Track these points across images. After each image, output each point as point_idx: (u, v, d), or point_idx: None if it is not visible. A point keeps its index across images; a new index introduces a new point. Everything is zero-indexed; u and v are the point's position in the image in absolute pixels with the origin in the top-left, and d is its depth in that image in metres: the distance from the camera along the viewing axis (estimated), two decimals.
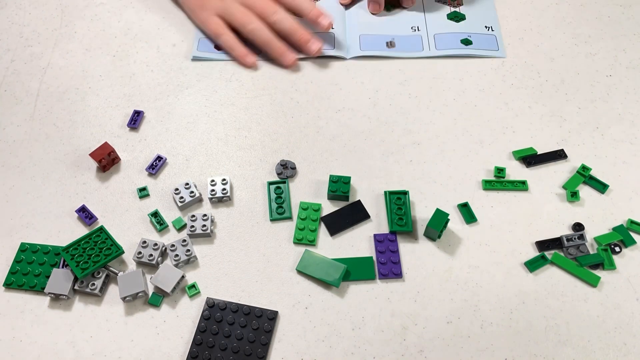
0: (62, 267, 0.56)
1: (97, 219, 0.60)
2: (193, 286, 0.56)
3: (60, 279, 0.55)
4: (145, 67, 0.71)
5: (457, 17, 0.74)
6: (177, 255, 0.56)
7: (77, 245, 0.56)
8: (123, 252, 0.56)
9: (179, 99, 0.69)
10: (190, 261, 0.57)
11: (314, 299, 0.56)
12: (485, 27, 0.73)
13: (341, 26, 0.73)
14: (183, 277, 0.55)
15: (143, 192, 0.61)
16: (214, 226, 0.59)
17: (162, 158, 0.63)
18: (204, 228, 0.58)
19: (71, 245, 0.56)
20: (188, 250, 0.57)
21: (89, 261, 0.55)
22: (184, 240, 0.57)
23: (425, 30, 0.72)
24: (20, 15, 0.77)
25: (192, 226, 0.58)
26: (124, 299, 0.54)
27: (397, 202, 0.59)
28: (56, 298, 0.55)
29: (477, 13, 0.75)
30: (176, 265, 0.56)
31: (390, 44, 0.71)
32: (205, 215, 0.58)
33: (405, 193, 0.60)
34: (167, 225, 0.59)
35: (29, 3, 0.78)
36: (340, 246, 0.59)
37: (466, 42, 0.71)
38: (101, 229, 0.57)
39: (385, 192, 0.60)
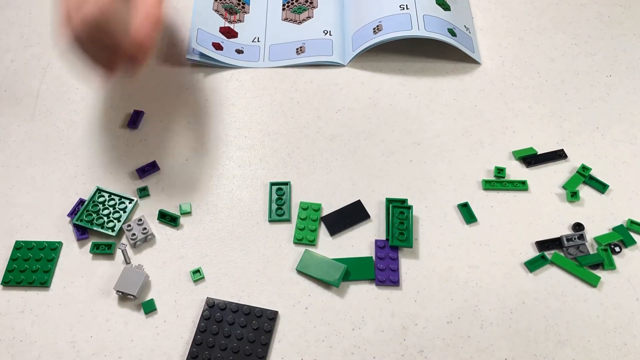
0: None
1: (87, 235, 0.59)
2: (198, 271, 0.56)
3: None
4: (145, 67, 0.71)
5: (444, 5, 0.72)
6: (134, 234, 0.57)
7: (87, 213, 0.58)
8: (137, 200, 0.59)
9: (179, 99, 0.69)
10: (147, 239, 0.58)
11: (314, 299, 0.56)
12: (465, 26, 0.72)
13: (339, 32, 0.73)
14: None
15: (144, 192, 0.61)
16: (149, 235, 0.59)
17: (155, 165, 0.63)
18: (145, 231, 0.58)
19: (80, 215, 0.58)
20: (145, 229, 0.58)
21: (113, 219, 0.58)
22: (140, 220, 0.58)
23: (414, 10, 0.70)
24: (21, 16, 0.77)
25: (134, 234, 0.58)
26: (116, 291, 0.54)
27: (400, 216, 0.58)
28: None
29: (457, 10, 0.74)
30: (134, 244, 0.57)
31: (376, 29, 0.69)
32: (140, 220, 0.58)
33: (409, 208, 0.59)
34: (179, 217, 0.60)
35: (29, 3, 0.78)
36: (340, 246, 0.59)
37: (452, 32, 0.70)
38: (98, 189, 0.59)
39: (387, 201, 0.60)
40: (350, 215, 0.60)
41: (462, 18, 0.73)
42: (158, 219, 0.60)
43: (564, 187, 0.61)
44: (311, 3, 0.76)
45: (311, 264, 0.57)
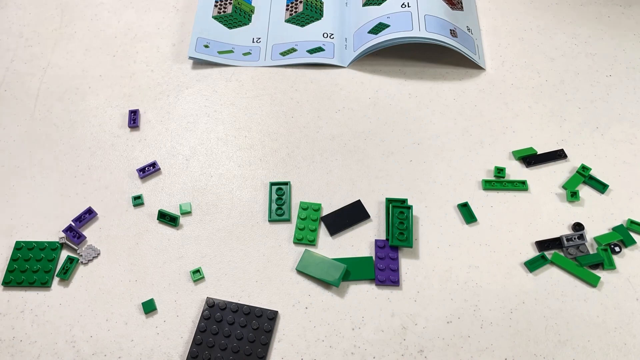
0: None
1: (85, 237, 0.59)
2: (198, 271, 0.56)
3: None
4: (145, 67, 0.71)
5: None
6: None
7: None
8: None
9: (179, 98, 0.69)
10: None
11: (314, 298, 0.56)
12: (467, 28, 0.72)
13: (340, 35, 0.73)
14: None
15: (137, 201, 0.61)
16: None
17: (156, 165, 0.63)
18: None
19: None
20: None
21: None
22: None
23: (415, 8, 0.68)
24: (20, 15, 0.77)
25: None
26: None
27: (400, 216, 0.58)
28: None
29: (463, 11, 0.73)
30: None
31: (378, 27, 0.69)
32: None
33: (408, 208, 0.59)
34: (179, 217, 0.60)
35: (29, 3, 0.78)
36: (340, 246, 0.59)
37: (453, 33, 0.69)
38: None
39: (386, 201, 0.60)
40: (351, 215, 0.60)
41: (466, 19, 0.73)
42: (158, 219, 0.60)
43: (564, 187, 0.61)
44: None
45: (311, 264, 0.57)
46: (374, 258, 0.57)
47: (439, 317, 0.54)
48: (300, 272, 0.57)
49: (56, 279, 0.57)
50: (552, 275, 0.57)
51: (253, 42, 0.73)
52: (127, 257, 0.58)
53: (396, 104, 0.68)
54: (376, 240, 0.58)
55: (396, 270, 0.56)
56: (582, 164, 0.62)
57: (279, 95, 0.69)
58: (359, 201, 0.61)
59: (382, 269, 0.56)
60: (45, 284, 0.56)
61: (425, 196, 0.61)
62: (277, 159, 0.64)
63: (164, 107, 0.68)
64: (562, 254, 0.58)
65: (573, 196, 0.60)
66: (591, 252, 0.57)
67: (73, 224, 0.59)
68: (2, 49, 0.73)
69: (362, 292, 0.56)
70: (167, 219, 0.60)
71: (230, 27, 0.74)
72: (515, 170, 0.63)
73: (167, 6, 0.77)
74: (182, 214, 0.60)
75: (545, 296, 0.55)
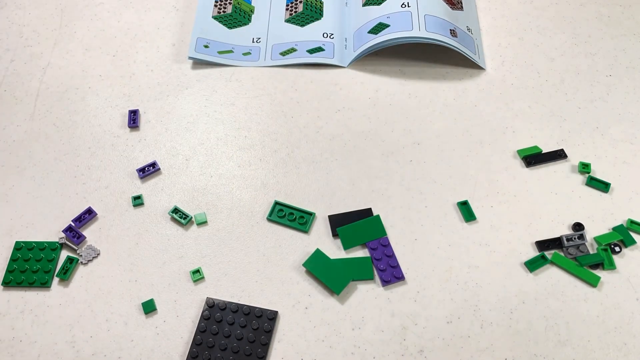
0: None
1: (85, 237, 0.59)
2: (197, 271, 0.56)
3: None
4: (145, 67, 0.71)
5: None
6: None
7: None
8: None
9: (179, 98, 0.69)
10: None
11: (314, 299, 0.56)
12: (467, 28, 0.72)
13: (340, 35, 0.73)
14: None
15: (137, 201, 0.61)
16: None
17: (156, 165, 0.63)
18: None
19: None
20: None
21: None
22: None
23: (415, 8, 0.68)
24: (20, 15, 0.77)
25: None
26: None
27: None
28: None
29: (463, 11, 0.73)
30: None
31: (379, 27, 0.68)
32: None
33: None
34: (191, 217, 0.60)
35: (29, 3, 0.78)
36: (339, 246, 0.58)
37: (453, 33, 0.69)
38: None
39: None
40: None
41: (466, 19, 0.73)
42: (170, 213, 0.59)
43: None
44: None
45: (319, 265, 0.56)
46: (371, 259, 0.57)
47: (439, 317, 0.54)
48: (306, 269, 0.57)
49: (56, 279, 0.57)
50: (552, 275, 0.57)
51: (253, 42, 0.73)
52: (127, 257, 0.58)
53: (396, 104, 0.68)
54: (368, 243, 0.58)
55: (397, 266, 0.56)
56: (581, 162, 0.62)
57: (279, 95, 0.69)
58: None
59: (382, 269, 0.56)
60: (45, 284, 0.56)
61: (425, 196, 0.61)
62: (277, 159, 0.64)
63: (164, 107, 0.68)
64: (562, 254, 0.58)
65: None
66: (591, 252, 0.57)
67: (73, 224, 0.59)
68: (2, 49, 0.73)
69: (362, 292, 0.56)
70: (178, 214, 0.59)
71: (230, 27, 0.74)
72: (515, 170, 0.63)
73: (167, 6, 0.77)
74: (197, 224, 0.60)
75: (545, 296, 0.55)
